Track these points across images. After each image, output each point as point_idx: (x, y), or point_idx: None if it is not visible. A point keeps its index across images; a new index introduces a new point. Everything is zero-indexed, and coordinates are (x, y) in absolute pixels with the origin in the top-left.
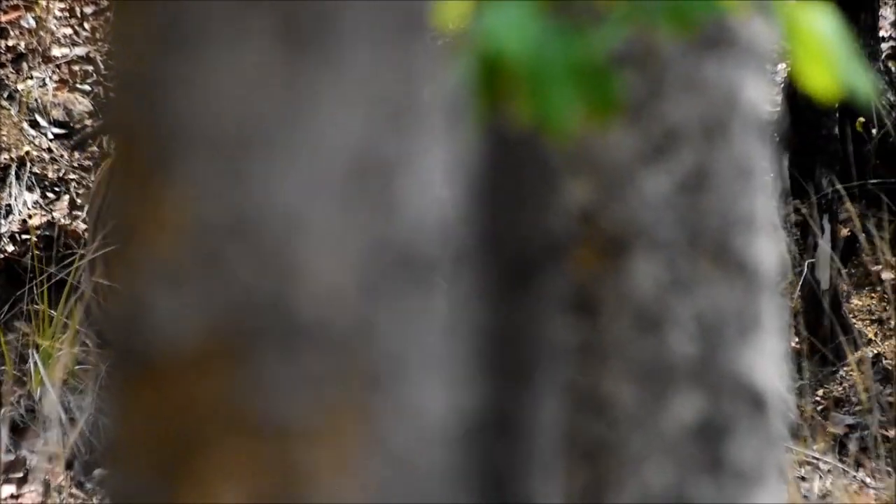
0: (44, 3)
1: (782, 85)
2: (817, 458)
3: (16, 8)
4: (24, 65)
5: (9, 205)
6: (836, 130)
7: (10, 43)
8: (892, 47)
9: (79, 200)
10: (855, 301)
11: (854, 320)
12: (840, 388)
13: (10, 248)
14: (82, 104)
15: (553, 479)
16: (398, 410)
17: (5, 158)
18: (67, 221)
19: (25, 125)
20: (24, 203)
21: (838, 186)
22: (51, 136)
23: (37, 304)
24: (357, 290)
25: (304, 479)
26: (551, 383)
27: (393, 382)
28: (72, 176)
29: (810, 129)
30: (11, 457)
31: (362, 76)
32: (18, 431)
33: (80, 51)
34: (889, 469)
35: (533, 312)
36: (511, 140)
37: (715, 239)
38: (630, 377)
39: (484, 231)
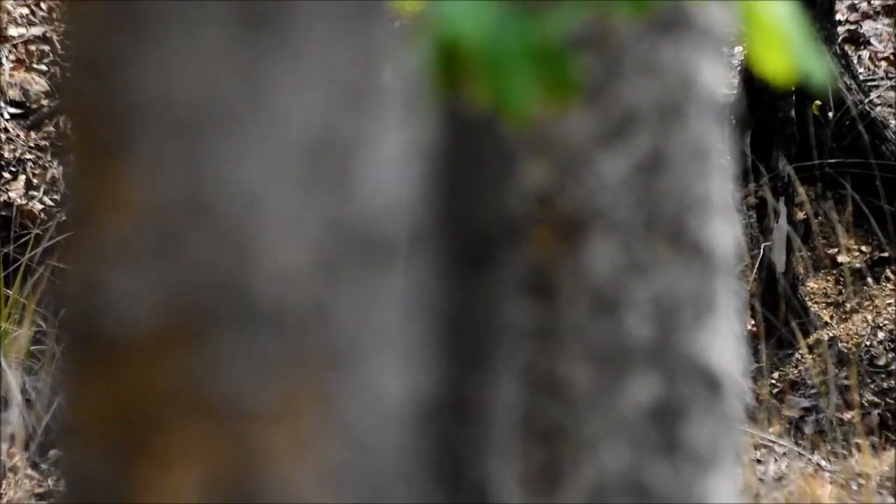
0: None
1: (739, 68)
2: (773, 441)
3: None
4: None
5: None
6: (793, 113)
7: None
8: (848, 31)
9: (35, 181)
10: (811, 284)
11: (810, 303)
12: (796, 371)
13: None
14: (39, 84)
15: (509, 460)
16: (355, 392)
17: None
18: (24, 202)
19: None
20: None
21: (794, 167)
22: (7, 117)
23: None
24: (314, 271)
25: (261, 461)
26: (508, 365)
27: (350, 364)
28: (28, 156)
29: (767, 112)
30: None
31: (320, 58)
32: None
33: (36, 31)
34: (844, 452)
35: (490, 294)
36: (469, 122)
37: (671, 221)
38: (586, 359)
39: (442, 213)
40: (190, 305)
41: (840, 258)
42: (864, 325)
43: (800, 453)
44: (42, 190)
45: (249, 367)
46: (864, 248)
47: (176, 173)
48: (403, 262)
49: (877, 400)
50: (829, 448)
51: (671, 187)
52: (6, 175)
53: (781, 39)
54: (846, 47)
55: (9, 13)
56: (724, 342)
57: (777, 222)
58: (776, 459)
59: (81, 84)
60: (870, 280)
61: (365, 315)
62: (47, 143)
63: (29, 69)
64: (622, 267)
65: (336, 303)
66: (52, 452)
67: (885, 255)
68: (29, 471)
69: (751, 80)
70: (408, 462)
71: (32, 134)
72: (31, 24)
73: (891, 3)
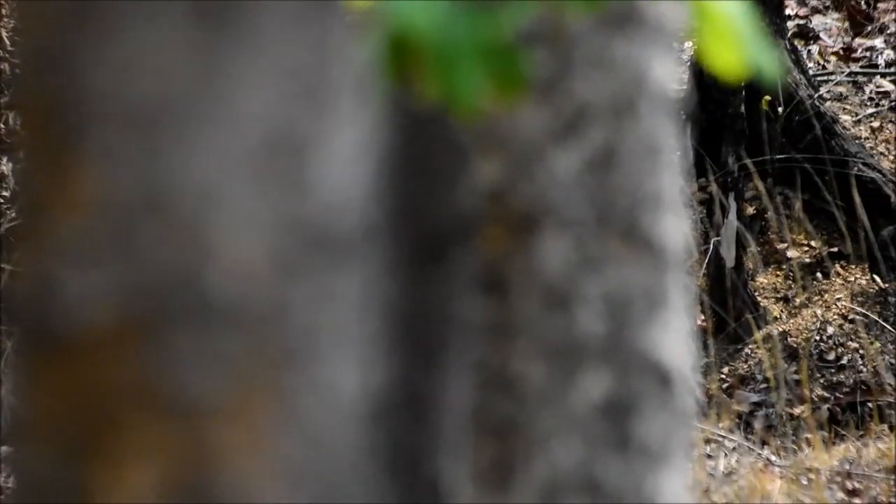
0: None
1: (689, 63)
2: (723, 436)
3: None
4: None
5: None
6: (743, 109)
7: None
8: (797, 25)
9: None
10: (761, 279)
11: (760, 298)
12: (745, 366)
13: None
14: None
15: (462, 456)
16: (311, 388)
17: None
18: None
19: None
20: None
21: (746, 162)
22: None
23: None
24: (270, 268)
25: (217, 458)
26: (461, 361)
27: (306, 360)
28: None
29: (717, 108)
30: None
31: (276, 55)
32: None
33: None
34: (794, 447)
35: (443, 290)
36: (422, 118)
37: (623, 217)
38: (539, 355)
39: (395, 209)
40: (145, 302)
41: (790, 253)
42: (814, 319)
43: (750, 448)
44: None
45: (205, 365)
46: (813, 242)
47: (131, 170)
48: (358, 259)
49: (826, 395)
50: (779, 443)
51: (623, 183)
52: None
53: (732, 35)
54: (796, 42)
55: None
56: (676, 338)
57: (727, 218)
58: (726, 454)
59: (34, 80)
60: (819, 275)
61: (320, 312)
62: None
63: None
64: (574, 263)
65: (291, 299)
66: (2, 449)
67: (835, 249)
68: None
69: (701, 76)
70: (362, 458)
71: None
72: None
73: None
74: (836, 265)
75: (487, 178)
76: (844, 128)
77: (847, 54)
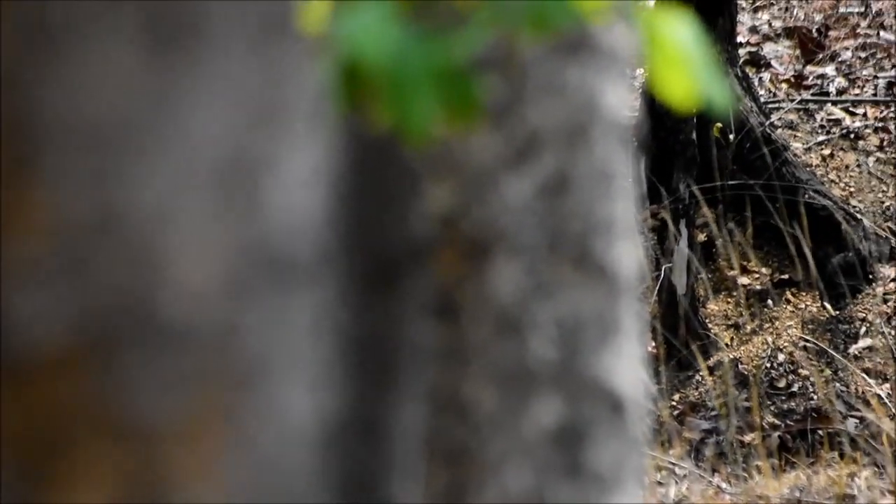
0: None
1: (641, 90)
2: (674, 463)
3: None
4: None
5: None
6: (694, 136)
7: None
8: (749, 53)
9: None
10: (712, 306)
11: (711, 325)
12: (696, 393)
13: None
14: None
15: (414, 481)
16: (263, 412)
17: None
18: None
19: None
20: None
21: (695, 190)
22: None
23: None
24: (222, 291)
25: (168, 482)
26: (413, 387)
27: (258, 384)
28: None
29: (668, 135)
30: None
31: (229, 77)
32: None
33: None
34: (745, 474)
35: (396, 316)
36: (375, 143)
37: (575, 243)
38: (491, 381)
39: (349, 234)
40: (97, 325)
41: (740, 280)
42: (765, 346)
43: (700, 475)
44: None
45: (156, 388)
46: (764, 269)
47: (84, 193)
48: (311, 283)
49: (777, 422)
50: (729, 470)
51: (576, 209)
52: None
53: (683, 62)
54: (747, 69)
55: None
56: (628, 364)
57: (678, 245)
58: (677, 482)
59: None
60: (770, 302)
61: (272, 335)
62: None
63: None
64: (527, 289)
65: (244, 323)
66: None
67: (786, 277)
68: None
69: (653, 103)
70: (314, 483)
71: None
72: None
73: (791, 25)
74: (787, 292)
75: (440, 204)
76: (795, 155)
77: (798, 82)
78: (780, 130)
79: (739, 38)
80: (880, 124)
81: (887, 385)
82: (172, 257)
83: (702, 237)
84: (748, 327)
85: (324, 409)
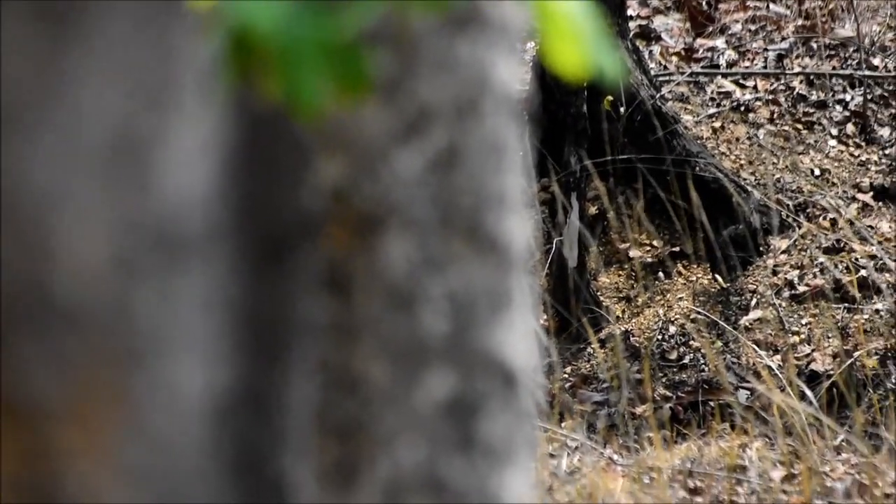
0: None
1: (532, 64)
2: (566, 436)
3: None
4: None
5: None
6: (585, 109)
7: None
8: (639, 26)
9: None
10: (603, 279)
11: (602, 298)
12: (588, 366)
13: None
14: None
15: (306, 456)
16: (153, 389)
17: None
18: None
19: None
20: None
21: (587, 163)
22: None
23: None
24: (113, 269)
25: (60, 460)
26: (304, 361)
27: (148, 361)
28: None
29: (559, 108)
30: None
31: (117, 53)
32: None
33: None
34: (636, 446)
35: (286, 290)
36: (265, 117)
37: (467, 217)
38: (382, 355)
39: (239, 208)
40: None
41: (632, 253)
42: (656, 319)
43: (592, 447)
44: None
45: (47, 368)
46: (655, 242)
47: None
48: (201, 259)
49: (668, 394)
50: (621, 442)
51: (467, 183)
52: None
53: (574, 35)
54: (638, 42)
55: None
56: (519, 337)
57: (569, 218)
58: (569, 454)
59: None
60: (661, 275)
61: (163, 312)
62: None
63: None
64: (418, 263)
65: (134, 300)
66: None
67: (677, 249)
68: None
69: (543, 76)
70: (206, 458)
71: None
72: None
73: None
74: (678, 265)
75: (331, 178)
76: (686, 128)
77: (688, 55)
78: (670, 103)
79: (630, 12)
80: (770, 97)
81: (778, 356)
82: (61, 236)
83: (593, 210)
84: (640, 300)
85: (214, 385)
